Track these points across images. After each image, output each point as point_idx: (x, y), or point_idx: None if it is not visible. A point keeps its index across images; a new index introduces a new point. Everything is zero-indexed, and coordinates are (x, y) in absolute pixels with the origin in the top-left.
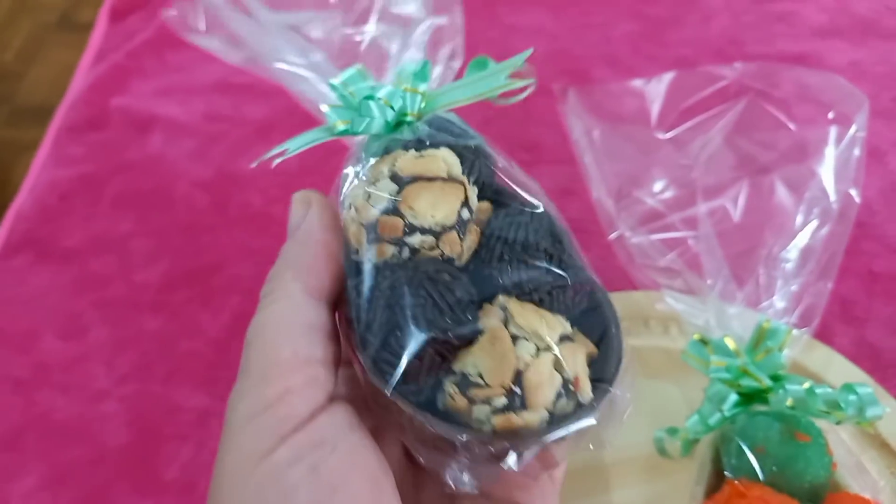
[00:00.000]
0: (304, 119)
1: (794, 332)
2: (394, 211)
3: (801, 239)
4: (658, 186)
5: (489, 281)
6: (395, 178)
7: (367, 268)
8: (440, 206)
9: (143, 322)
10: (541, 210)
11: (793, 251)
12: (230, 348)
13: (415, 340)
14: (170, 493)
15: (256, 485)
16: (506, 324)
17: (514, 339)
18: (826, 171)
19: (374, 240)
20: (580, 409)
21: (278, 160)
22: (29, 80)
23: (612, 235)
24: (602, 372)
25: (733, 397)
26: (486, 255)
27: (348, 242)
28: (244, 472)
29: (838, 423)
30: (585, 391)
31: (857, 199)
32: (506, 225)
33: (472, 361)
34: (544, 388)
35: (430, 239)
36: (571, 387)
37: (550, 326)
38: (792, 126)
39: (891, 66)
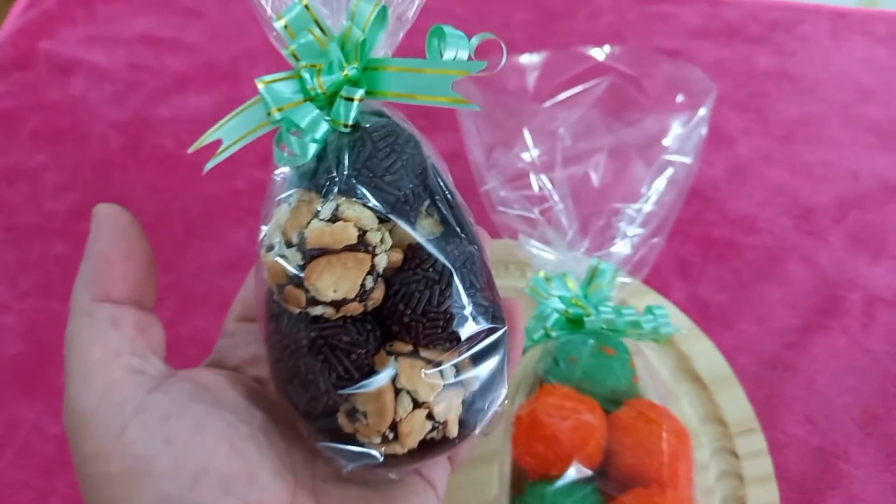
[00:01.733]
0: (222, 74)
1: (626, 276)
2: (298, 283)
3: (641, 201)
4: (527, 150)
5: (392, 322)
6: (301, 247)
7: (279, 315)
8: (342, 282)
9: (50, 247)
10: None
11: (632, 211)
12: None
13: (309, 398)
14: (59, 397)
15: (118, 462)
16: (393, 380)
17: (398, 391)
18: (672, 146)
19: (283, 300)
20: (445, 443)
21: (219, 158)
22: None
23: (483, 188)
24: (474, 410)
25: (555, 316)
26: (392, 303)
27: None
28: (105, 455)
29: (640, 338)
30: (452, 430)
31: (695, 170)
32: (411, 282)
33: (362, 401)
34: (414, 435)
35: (330, 310)
36: (440, 427)
37: (431, 384)
38: (652, 107)
39: (749, 66)
